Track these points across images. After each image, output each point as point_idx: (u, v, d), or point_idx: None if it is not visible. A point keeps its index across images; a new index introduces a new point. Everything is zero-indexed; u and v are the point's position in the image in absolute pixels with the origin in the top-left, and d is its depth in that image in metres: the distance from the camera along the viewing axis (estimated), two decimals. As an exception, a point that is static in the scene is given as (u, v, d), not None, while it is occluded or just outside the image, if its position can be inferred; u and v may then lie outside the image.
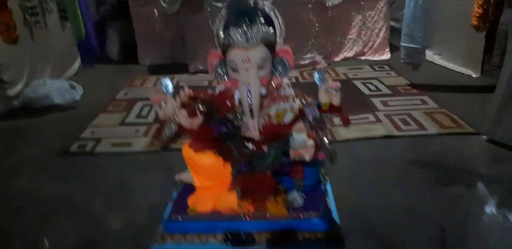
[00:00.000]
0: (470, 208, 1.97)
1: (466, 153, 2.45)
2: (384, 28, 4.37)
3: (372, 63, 4.26)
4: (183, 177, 1.78)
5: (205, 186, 1.66)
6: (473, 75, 3.70)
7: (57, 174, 2.44)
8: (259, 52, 1.54)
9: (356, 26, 4.33)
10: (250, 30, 1.51)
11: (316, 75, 1.56)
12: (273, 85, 1.63)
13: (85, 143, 2.80)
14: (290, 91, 1.68)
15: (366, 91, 3.51)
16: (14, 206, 2.15)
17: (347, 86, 3.64)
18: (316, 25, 4.16)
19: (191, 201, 1.65)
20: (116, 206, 2.11)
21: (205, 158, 1.61)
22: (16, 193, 2.27)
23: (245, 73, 1.52)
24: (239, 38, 1.51)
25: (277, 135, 1.57)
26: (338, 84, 1.57)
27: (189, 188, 1.75)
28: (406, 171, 2.29)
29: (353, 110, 3.07)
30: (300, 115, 1.63)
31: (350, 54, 4.43)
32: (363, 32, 4.38)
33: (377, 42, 4.41)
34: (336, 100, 1.62)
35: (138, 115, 3.24)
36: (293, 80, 3.86)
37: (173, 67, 4.41)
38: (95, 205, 2.12)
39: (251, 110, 1.51)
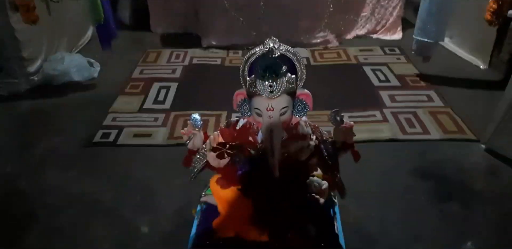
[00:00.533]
0: (463, 228, 2.20)
1: (465, 164, 2.64)
2: (398, 7, 4.37)
3: (383, 44, 4.32)
4: (209, 199, 1.98)
5: (229, 214, 1.86)
6: (481, 67, 3.79)
7: (84, 168, 2.65)
8: (283, 102, 1.63)
9: (370, 4, 4.33)
10: (275, 83, 1.59)
11: (332, 117, 1.66)
12: (292, 124, 1.75)
13: (108, 131, 2.97)
14: (308, 130, 1.80)
15: (375, 81, 3.62)
16: (49, 202, 2.37)
17: (358, 74, 3.75)
18: (331, 5, 4.15)
19: (216, 225, 1.86)
20: (142, 207, 2.34)
21: (230, 192, 1.79)
22: (46, 188, 2.47)
23: (268, 120, 1.64)
24: (264, 90, 1.60)
25: (295, 171, 1.74)
26: (352, 124, 1.67)
27: (214, 208, 1.95)
28: (407, 181, 2.50)
29: (362, 105, 3.23)
30: (316, 152, 1.77)
31: (362, 32, 4.47)
32: (376, 10, 4.38)
33: (390, 21, 4.43)
34: (350, 139, 1.74)
35: (155, 100, 3.38)
36: (305, 61, 3.95)
37: (186, 39, 4.47)
38: (123, 205, 2.34)
39: (272, 152, 1.65)
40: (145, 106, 3.31)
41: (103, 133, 2.96)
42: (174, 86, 3.58)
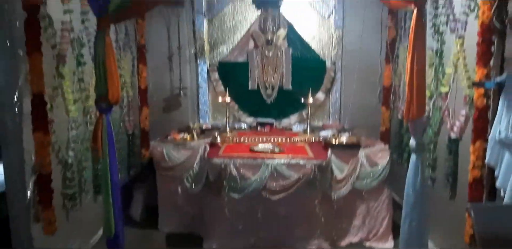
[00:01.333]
0: None
1: None
2: (387, 218, 4.73)
3: (376, 254, 4.57)
4: None
5: None
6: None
7: None
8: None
9: (361, 215, 4.72)
10: None
11: None
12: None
13: None
14: None
15: None
16: None
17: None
18: (322, 216, 4.58)
19: None
20: None
21: None
22: None
23: None
24: None
25: None
26: None
27: None
28: None
29: None
30: None
31: (355, 240, 4.74)
32: (367, 220, 4.74)
33: (380, 231, 4.73)
34: None
35: None
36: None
37: (190, 239, 4.78)
38: None
39: None
40: None
41: None
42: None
